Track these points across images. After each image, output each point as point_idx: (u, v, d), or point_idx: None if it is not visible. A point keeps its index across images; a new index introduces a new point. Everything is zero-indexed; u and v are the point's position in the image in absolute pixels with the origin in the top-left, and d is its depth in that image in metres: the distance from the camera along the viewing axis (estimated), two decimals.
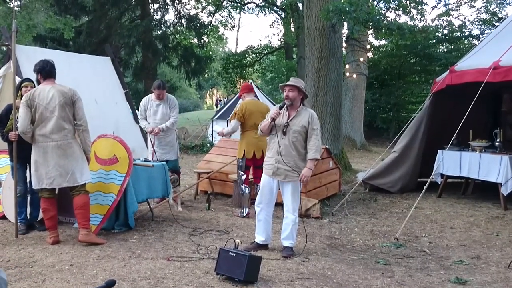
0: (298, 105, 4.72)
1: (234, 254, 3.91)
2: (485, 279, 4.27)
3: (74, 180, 4.82)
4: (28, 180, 5.25)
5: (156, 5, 20.34)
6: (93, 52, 14.31)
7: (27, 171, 5.21)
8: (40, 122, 4.76)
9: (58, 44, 18.09)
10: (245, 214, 6.34)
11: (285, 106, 4.69)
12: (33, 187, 4.93)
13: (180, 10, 20.91)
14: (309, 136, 4.64)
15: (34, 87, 5.20)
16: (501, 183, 6.92)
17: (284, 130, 4.66)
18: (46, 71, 4.89)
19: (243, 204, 6.39)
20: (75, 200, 4.87)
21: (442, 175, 7.74)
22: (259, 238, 4.86)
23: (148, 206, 6.12)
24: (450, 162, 7.56)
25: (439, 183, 7.80)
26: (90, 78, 8.46)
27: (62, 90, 4.82)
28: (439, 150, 7.65)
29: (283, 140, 4.66)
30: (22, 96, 5.09)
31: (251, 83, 17.60)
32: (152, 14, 20.07)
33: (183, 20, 20.85)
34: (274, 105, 12.51)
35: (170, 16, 39.60)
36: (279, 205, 5.40)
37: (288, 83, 4.73)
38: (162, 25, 20.65)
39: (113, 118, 8.10)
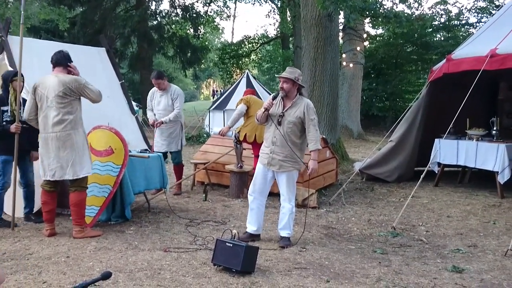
0: (294, 96, 4.69)
1: (231, 245, 3.90)
2: (482, 267, 4.28)
3: (74, 173, 4.74)
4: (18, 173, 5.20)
5: None
6: (87, 43, 14.21)
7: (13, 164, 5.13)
8: (42, 112, 4.74)
9: (53, 35, 17.97)
10: (238, 166, 6.87)
11: (279, 96, 4.67)
12: (41, 178, 4.88)
13: (175, 0, 20.75)
14: (307, 127, 4.62)
15: (23, 82, 5.18)
16: (497, 172, 6.93)
17: (280, 120, 4.64)
18: (55, 60, 4.83)
19: (238, 159, 6.89)
20: (70, 196, 4.83)
21: (439, 164, 7.74)
22: (251, 228, 4.85)
23: (144, 197, 6.10)
24: (447, 151, 7.55)
25: (436, 172, 7.80)
26: (84, 70, 8.39)
27: (64, 80, 4.71)
28: (436, 139, 7.65)
29: (278, 130, 4.64)
30: (13, 89, 5.05)
31: (247, 73, 17.60)
32: (147, 4, 19.91)
33: (179, 10, 20.74)
34: (270, 94, 12.49)
35: (166, 6, 39.41)
36: (276, 195, 5.39)
37: (282, 74, 4.69)
38: (157, 15, 20.53)
39: (105, 111, 8.07)
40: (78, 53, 8.85)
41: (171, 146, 6.96)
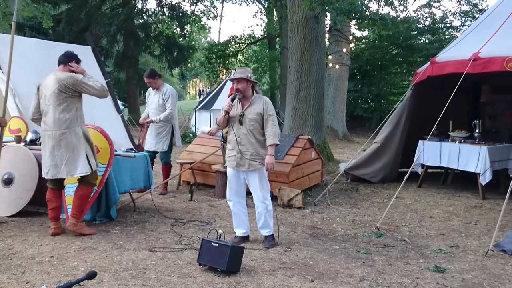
0: (251, 94, 4.71)
1: (217, 245, 3.92)
2: (463, 267, 4.35)
3: (68, 172, 4.72)
4: None
5: None
6: (73, 41, 14.06)
7: None
8: (43, 110, 4.77)
9: (37, 32, 17.76)
10: (224, 166, 6.54)
11: (237, 97, 4.70)
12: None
13: None
14: (265, 123, 4.64)
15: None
16: (479, 173, 7.03)
17: (240, 119, 4.65)
18: (59, 59, 4.87)
19: (224, 159, 6.64)
20: (77, 188, 4.89)
21: (422, 165, 7.84)
22: (240, 231, 4.87)
23: (130, 197, 6.08)
24: (430, 153, 7.65)
25: (420, 173, 7.90)
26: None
27: (59, 77, 4.70)
28: (419, 141, 7.74)
29: (240, 130, 4.66)
30: None
31: (234, 73, 17.60)
32: (133, 2, 19.79)
33: (165, 9, 20.63)
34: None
35: (152, 5, 39.18)
36: None
37: (233, 77, 4.73)
38: (144, 14, 20.39)
39: (91, 110, 8.04)
40: (63, 51, 8.80)
41: (158, 146, 6.96)
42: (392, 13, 16.13)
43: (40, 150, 5.62)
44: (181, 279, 3.74)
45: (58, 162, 4.70)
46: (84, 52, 8.93)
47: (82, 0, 18.18)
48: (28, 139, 6.07)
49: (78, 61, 4.91)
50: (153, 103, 7.01)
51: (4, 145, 5.93)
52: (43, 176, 4.84)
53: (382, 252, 4.81)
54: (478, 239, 5.29)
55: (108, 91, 5.05)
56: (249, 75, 4.68)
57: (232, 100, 4.69)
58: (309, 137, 7.83)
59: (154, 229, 5.20)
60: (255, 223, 4.96)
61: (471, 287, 3.90)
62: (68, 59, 4.85)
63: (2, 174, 5.55)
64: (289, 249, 4.68)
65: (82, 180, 4.84)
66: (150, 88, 7.18)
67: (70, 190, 5.16)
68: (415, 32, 20.67)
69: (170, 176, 7.34)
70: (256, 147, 4.64)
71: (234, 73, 4.83)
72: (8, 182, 5.54)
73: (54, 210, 4.86)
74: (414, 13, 21.33)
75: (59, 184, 4.89)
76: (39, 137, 6.01)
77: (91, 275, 2.24)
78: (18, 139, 6.11)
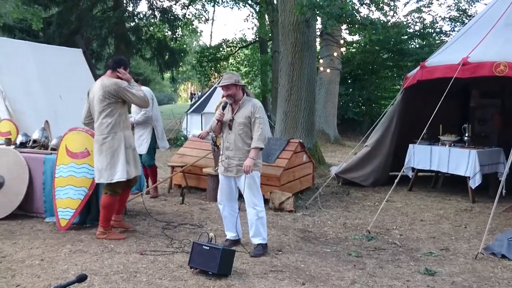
0: (241, 97, 4.64)
1: (208, 248, 3.92)
2: (453, 270, 4.39)
3: (108, 176, 4.74)
4: None
5: None
6: (63, 43, 13.98)
7: None
8: (93, 115, 4.90)
9: (28, 34, 17.59)
10: (215, 169, 6.52)
11: (228, 104, 4.66)
12: None
13: (153, 2, 20.61)
14: (252, 125, 4.55)
15: None
16: (469, 177, 7.10)
17: (230, 124, 4.60)
18: (108, 63, 5.09)
19: (215, 162, 6.67)
20: (102, 198, 4.90)
21: (413, 169, 7.88)
22: (230, 234, 4.83)
23: None
24: (420, 156, 7.70)
25: (410, 177, 7.95)
26: (58, 71, 8.31)
27: (104, 83, 4.74)
28: (410, 145, 7.79)
29: (230, 135, 4.61)
30: None
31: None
32: (125, 5, 19.73)
33: (157, 13, 20.56)
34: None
35: (144, 8, 39.07)
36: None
37: (221, 84, 4.63)
38: (135, 17, 20.32)
39: (78, 115, 8.01)
40: (54, 53, 8.80)
41: (140, 148, 6.86)
42: (383, 18, 16.26)
43: (31, 153, 5.61)
44: (172, 282, 3.74)
45: (100, 166, 4.75)
46: (75, 55, 8.91)
47: (73, 2, 18.08)
48: (18, 142, 6.03)
49: (126, 67, 4.96)
50: (133, 106, 6.87)
51: None
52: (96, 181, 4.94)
53: (373, 255, 4.83)
54: (468, 242, 5.33)
55: (148, 102, 5.15)
56: (237, 79, 4.61)
57: (223, 108, 4.66)
58: (300, 140, 7.85)
59: (145, 232, 5.18)
60: (246, 227, 4.95)
61: None
62: (116, 65, 4.89)
63: None
64: (280, 252, 4.69)
65: (107, 188, 4.81)
66: None
67: (60, 194, 5.13)
68: (406, 37, 20.84)
69: (161, 179, 7.30)
70: (244, 152, 4.54)
71: (221, 79, 4.78)
72: None
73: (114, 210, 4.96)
74: (404, 18, 21.56)
75: (112, 188, 4.83)
76: (29, 140, 5.99)
77: (82, 278, 2.22)
78: (8, 142, 6.08)
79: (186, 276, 3.88)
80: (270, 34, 22.40)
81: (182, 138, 14.74)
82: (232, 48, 26.64)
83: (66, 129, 5.47)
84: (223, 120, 4.65)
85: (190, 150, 7.84)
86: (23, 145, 5.96)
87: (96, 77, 8.79)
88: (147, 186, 7.09)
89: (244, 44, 27.15)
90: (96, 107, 4.75)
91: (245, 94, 4.70)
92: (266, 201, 6.18)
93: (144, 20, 20.76)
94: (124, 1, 19.85)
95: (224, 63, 26.58)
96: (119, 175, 4.74)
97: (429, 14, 27.06)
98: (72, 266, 4.01)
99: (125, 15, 19.19)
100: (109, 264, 4.07)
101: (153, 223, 5.57)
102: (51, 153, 5.61)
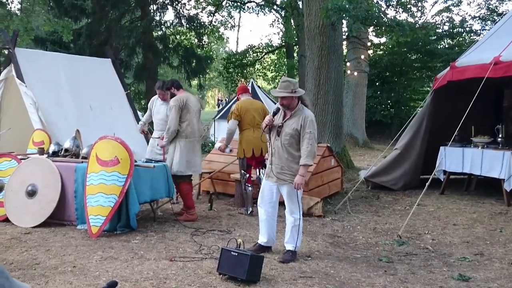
0: (295, 106, 4.55)
1: (236, 254, 3.91)
2: (488, 275, 4.26)
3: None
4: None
5: (155, 6, 20.32)
6: (93, 54, 14.30)
7: None
8: (186, 120, 6.09)
9: (59, 46, 18.09)
10: (248, 212, 6.36)
11: (281, 110, 4.60)
12: None
13: (180, 11, 20.88)
14: (301, 140, 4.46)
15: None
16: (504, 179, 6.90)
17: (279, 130, 4.54)
18: (176, 84, 6.35)
19: (247, 203, 6.43)
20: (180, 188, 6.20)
21: (444, 172, 7.73)
22: (261, 239, 4.77)
23: (150, 206, 6.12)
24: (452, 159, 7.54)
25: (442, 180, 7.78)
26: (88, 82, 8.51)
27: (197, 98, 6.43)
28: (441, 147, 7.64)
29: (276, 141, 4.55)
30: None
31: (252, 82, 17.66)
32: (152, 15, 20.05)
33: (183, 21, 20.82)
34: (275, 103, 12.55)
35: (170, 17, 39.62)
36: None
37: (279, 94, 4.51)
38: (162, 26, 20.63)
39: (111, 122, 8.13)
40: (84, 64, 9.01)
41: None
42: (410, 19, 16.04)
43: (63, 162, 5.74)
44: None
45: (200, 160, 6.42)
46: (104, 65, 9.10)
47: (102, 14, 18.48)
48: (51, 151, 6.19)
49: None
50: (161, 114, 6.85)
51: (27, 157, 6.08)
52: (188, 173, 6.18)
53: (405, 260, 4.74)
54: (503, 246, 5.17)
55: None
56: (293, 89, 4.45)
57: (274, 114, 4.62)
58: (328, 144, 7.79)
59: (174, 238, 5.22)
60: (278, 234, 4.92)
61: None
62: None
63: (26, 185, 5.66)
64: (310, 258, 4.65)
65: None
66: (155, 98, 7.03)
67: (91, 201, 5.22)
68: (434, 37, 20.51)
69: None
70: (288, 162, 4.48)
71: (278, 85, 4.62)
72: (32, 193, 5.64)
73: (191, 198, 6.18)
74: (432, 18, 21.20)
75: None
76: (61, 149, 6.14)
77: (112, 285, 2.26)
78: (41, 151, 6.24)
79: (215, 283, 3.88)
80: (296, 39, 22.36)
81: (210, 144, 14.83)
82: (258, 53, 26.73)
83: (97, 138, 5.58)
84: (273, 124, 4.60)
85: (217, 156, 7.88)
86: (55, 154, 6.11)
87: (125, 86, 8.95)
88: (177, 194, 7.14)
89: (270, 49, 27.19)
90: (198, 115, 6.17)
91: (299, 102, 4.58)
92: None
93: (171, 29, 21.06)
94: (151, 10, 20.19)
95: (251, 68, 26.69)
96: (176, 169, 6.07)
97: (458, 14, 26.55)
98: (103, 272, 4.07)
99: (152, 24, 19.50)
100: (139, 271, 4.12)
101: (182, 230, 5.61)
102: (82, 162, 5.73)
